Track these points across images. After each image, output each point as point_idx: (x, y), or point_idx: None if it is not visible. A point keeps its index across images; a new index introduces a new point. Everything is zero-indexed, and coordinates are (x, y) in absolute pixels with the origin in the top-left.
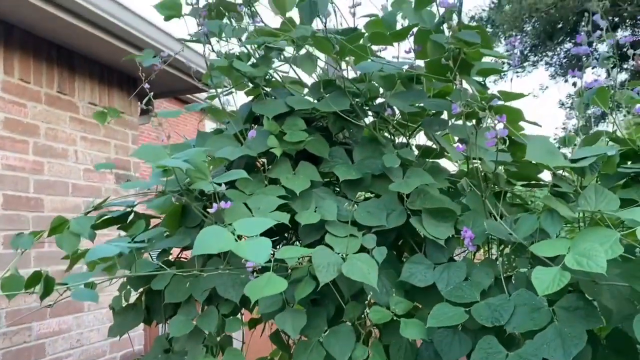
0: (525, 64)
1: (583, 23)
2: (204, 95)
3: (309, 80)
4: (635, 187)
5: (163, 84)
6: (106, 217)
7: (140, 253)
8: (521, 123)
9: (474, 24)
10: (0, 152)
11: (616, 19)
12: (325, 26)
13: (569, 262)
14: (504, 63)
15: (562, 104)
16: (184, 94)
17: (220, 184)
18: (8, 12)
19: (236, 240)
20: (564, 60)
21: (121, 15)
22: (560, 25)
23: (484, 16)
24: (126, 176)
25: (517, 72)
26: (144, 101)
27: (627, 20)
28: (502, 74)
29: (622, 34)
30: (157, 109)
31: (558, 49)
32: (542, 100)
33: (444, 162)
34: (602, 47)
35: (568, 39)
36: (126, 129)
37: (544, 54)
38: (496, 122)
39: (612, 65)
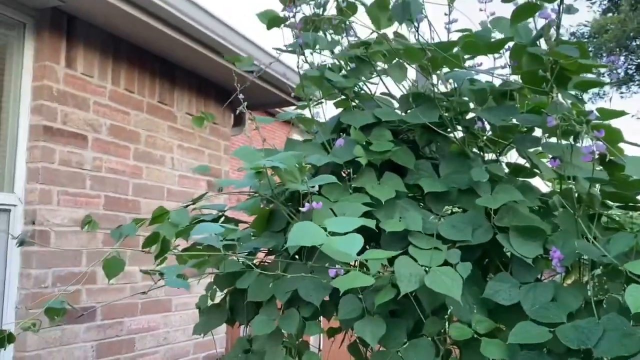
0: (630, 84)
1: None
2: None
3: (399, 94)
4: None
5: (255, 97)
6: (200, 219)
7: (233, 249)
8: (621, 144)
9: (574, 40)
10: (104, 156)
11: None
12: (417, 31)
13: None
14: (603, 75)
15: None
16: (274, 107)
17: (313, 186)
18: (118, 26)
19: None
20: None
21: (218, 30)
22: None
23: (586, 32)
24: (217, 183)
25: (620, 92)
26: (237, 110)
27: None
28: (602, 91)
29: None
30: (251, 125)
31: None
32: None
33: (535, 182)
34: None
35: None
36: (219, 139)
37: None
38: (594, 137)
39: None
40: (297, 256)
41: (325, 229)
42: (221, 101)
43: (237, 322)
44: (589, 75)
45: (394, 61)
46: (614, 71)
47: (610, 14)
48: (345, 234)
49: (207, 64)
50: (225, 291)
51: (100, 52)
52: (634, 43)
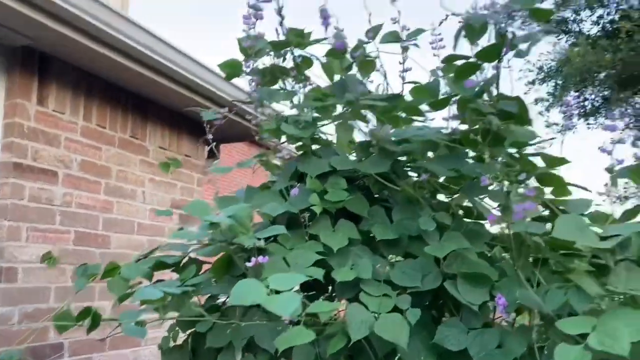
0: (597, 115)
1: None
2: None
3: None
4: None
5: (230, 130)
6: (161, 262)
7: (189, 296)
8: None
9: (543, 74)
10: (75, 191)
11: None
12: (357, 101)
13: (592, 341)
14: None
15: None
16: (251, 139)
17: (260, 239)
18: (90, 64)
19: (269, 294)
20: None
21: (190, 67)
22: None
23: (553, 66)
24: (188, 218)
25: (588, 124)
26: (208, 148)
27: None
28: (570, 123)
29: None
30: (230, 152)
31: (631, 101)
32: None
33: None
34: None
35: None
36: (192, 171)
37: (617, 105)
38: (522, 198)
39: None
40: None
41: (268, 286)
42: (195, 133)
43: None
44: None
45: (340, 121)
46: (567, 114)
47: (575, 48)
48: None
49: (179, 99)
50: (187, 332)
51: (73, 89)
52: (600, 75)
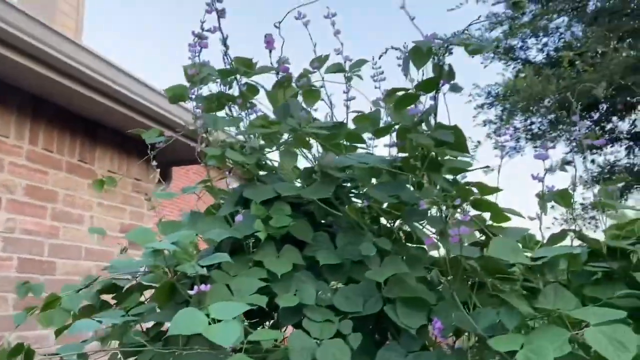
0: (544, 139)
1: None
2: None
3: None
4: (603, 286)
5: (180, 153)
6: (112, 284)
7: (131, 325)
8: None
9: (491, 99)
10: (19, 216)
11: (634, 100)
12: (300, 126)
13: (519, 358)
14: (519, 130)
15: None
16: (200, 163)
17: (202, 267)
18: (36, 87)
19: (210, 323)
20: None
21: (137, 90)
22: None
23: (501, 91)
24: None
25: (534, 147)
26: (157, 172)
27: None
28: (518, 146)
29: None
30: (187, 173)
31: (575, 127)
32: (562, 176)
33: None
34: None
35: (586, 115)
36: (142, 195)
37: (560, 131)
38: (458, 223)
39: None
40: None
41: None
42: (145, 156)
43: None
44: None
45: (284, 147)
46: (502, 143)
47: (521, 75)
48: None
49: (130, 123)
50: None
51: (18, 112)
52: (545, 102)
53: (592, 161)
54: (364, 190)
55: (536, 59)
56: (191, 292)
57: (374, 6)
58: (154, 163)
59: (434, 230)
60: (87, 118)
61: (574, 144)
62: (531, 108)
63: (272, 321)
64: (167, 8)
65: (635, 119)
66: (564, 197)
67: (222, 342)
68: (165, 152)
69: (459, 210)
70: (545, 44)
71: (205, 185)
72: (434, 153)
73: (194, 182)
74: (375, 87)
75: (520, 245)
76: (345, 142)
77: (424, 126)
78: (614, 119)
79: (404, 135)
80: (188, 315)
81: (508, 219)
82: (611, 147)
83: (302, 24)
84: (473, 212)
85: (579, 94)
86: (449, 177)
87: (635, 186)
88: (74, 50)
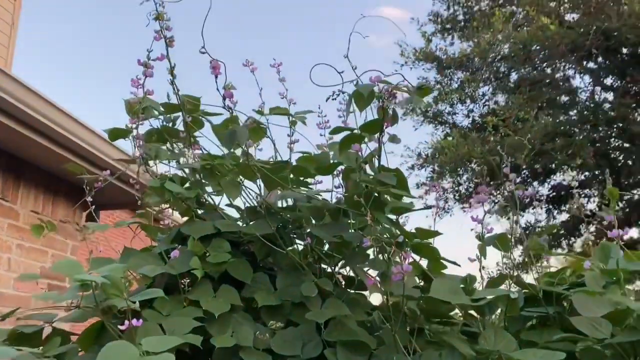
0: (470, 200)
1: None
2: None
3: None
4: (539, 330)
5: (110, 196)
6: (18, 332)
7: None
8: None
9: (421, 160)
10: None
11: (553, 165)
12: (247, 155)
13: None
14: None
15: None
16: (130, 207)
17: (134, 302)
18: None
19: (141, 356)
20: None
21: (69, 127)
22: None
23: (430, 153)
24: (58, 288)
25: (462, 207)
26: (85, 213)
27: (562, 167)
28: (447, 206)
29: (560, 179)
30: (108, 220)
31: (500, 189)
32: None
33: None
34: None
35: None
36: (67, 238)
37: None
38: (401, 260)
39: (508, 214)
40: None
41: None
42: (72, 198)
43: None
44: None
45: (229, 178)
46: (438, 195)
47: (449, 138)
48: (163, 352)
49: (57, 161)
50: None
51: None
52: (472, 164)
53: (516, 222)
54: (307, 230)
55: (463, 124)
56: (121, 328)
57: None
58: (89, 199)
59: (375, 274)
60: (11, 153)
61: (497, 201)
62: (458, 169)
63: None
64: (107, 46)
65: (552, 184)
66: (502, 242)
67: None
68: (94, 195)
69: (401, 248)
70: (472, 110)
71: (139, 223)
72: (377, 193)
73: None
74: (321, 135)
75: (460, 287)
76: (291, 176)
77: (367, 168)
78: (535, 183)
79: (348, 176)
80: (118, 347)
81: (445, 267)
82: (533, 209)
83: (250, 70)
84: (413, 256)
85: (503, 156)
86: (392, 217)
87: (563, 238)
88: None
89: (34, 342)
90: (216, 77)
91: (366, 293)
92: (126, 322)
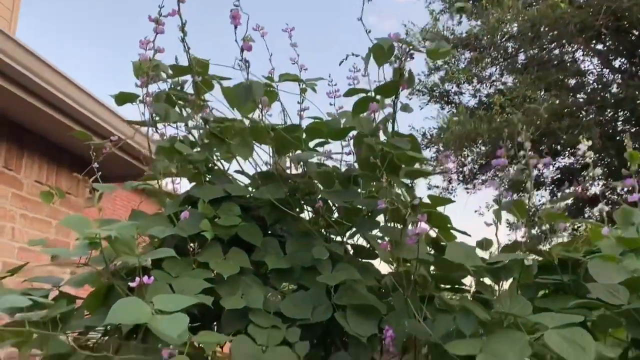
0: (474, 181)
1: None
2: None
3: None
4: (552, 298)
5: (114, 168)
6: (26, 293)
7: (55, 330)
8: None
9: (426, 140)
10: None
11: (558, 147)
12: (262, 113)
13: None
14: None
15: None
16: (134, 179)
17: (146, 259)
18: None
19: (153, 314)
20: (510, 182)
21: (74, 95)
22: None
23: (435, 134)
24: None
25: (466, 188)
26: (91, 180)
27: (567, 149)
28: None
29: (565, 161)
30: (114, 200)
31: (506, 170)
32: (489, 218)
33: (378, 264)
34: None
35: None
36: (70, 210)
37: (491, 173)
38: (417, 221)
39: (526, 179)
40: (135, 335)
41: (153, 307)
42: (76, 169)
43: None
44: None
45: (241, 139)
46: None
47: (455, 117)
48: (175, 312)
49: (61, 131)
50: None
51: None
52: (478, 143)
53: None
54: (318, 197)
55: (469, 103)
56: (132, 284)
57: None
58: (96, 166)
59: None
60: (14, 122)
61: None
62: (464, 148)
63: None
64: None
65: (558, 166)
66: (519, 207)
67: (169, 333)
68: (98, 169)
69: (418, 211)
70: (478, 90)
71: (146, 184)
72: (392, 155)
73: (119, 212)
74: (330, 104)
75: (475, 251)
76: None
77: (380, 134)
78: (540, 165)
79: (360, 141)
80: (129, 303)
81: (455, 237)
82: (537, 190)
83: (260, 35)
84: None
85: (508, 137)
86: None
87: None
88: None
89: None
90: (235, 27)
91: (374, 262)
92: (137, 278)
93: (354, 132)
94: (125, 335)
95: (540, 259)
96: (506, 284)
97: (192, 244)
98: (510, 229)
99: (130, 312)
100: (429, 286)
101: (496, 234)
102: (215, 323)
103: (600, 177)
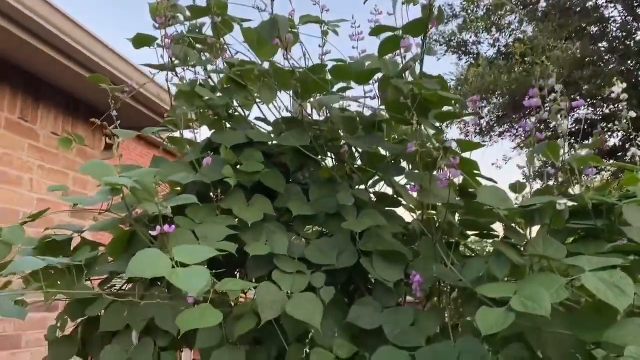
0: (492, 134)
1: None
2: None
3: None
4: (583, 243)
5: (128, 120)
6: (49, 240)
7: (81, 275)
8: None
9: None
10: None
11: (578, 97)
12: (287, 51)
13: (514, 304)
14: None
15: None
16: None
17: (166, 207)
18: None
19: (174, 267)
20: (527, 133)
21: (90, 46)
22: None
23: (452, 84)
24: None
25: (483, 141)
26: (110, 129)
27: (587, 100)
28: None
29: (583, 112)
30: (130, 154)
31: (523, 122)
32: (506, 172)
33: (400, 213)
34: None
35: (532, 112)
36: (86, 162)
37: (508, 125)
38: (449, 164)
39: (563, 117)
40: (159, 282)
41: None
42: (91, 121)
43: (91, 356)
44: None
45: (264, 81)
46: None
47: (474, 68)
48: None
49: (77, 82)
50: (78, 321)
51: None
52: (493, 97)
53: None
54: (342, 142)
55: (488, 54)
56: (153, 233)
57: None
58: (114, 114)
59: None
60: (30, 72)
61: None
62: (483, 98)
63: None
64: None
65: (577, 118)
66: (553, 150)
67: (188, 288)
68: (112, 120)
69: (452, 153)
70: (497, 40)
71: (167, 128)
72: (422, 95)
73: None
74: (353, 47)
75: (507, 195)
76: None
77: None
78: (558, 116)
79: (386, 84)
80: (149, 255)
81: (480, 184)
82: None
83: None
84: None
85: (528, 86)
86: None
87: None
88: None
89: (64, 251)
90: None
91: (397, 210)
92: (158, 227)
93: (378, 76)
94: (150, 282)
95: (571, 204)
96: (534, 232)
97: (214, 191)
98: (526, 179)
99: (149, 265)
100: (454, 232)
101: (528, 179)
102: (238, 270)
103: (618, 129)
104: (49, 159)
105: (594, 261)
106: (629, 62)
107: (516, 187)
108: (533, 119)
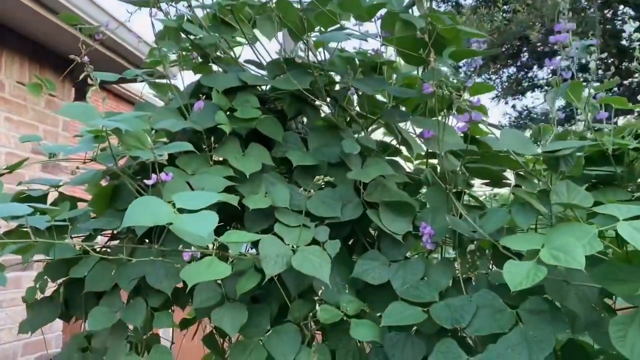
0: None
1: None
2: (140, 87)
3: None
4: (602, 190)
5: (99, 68)
6: (24, 195)
7: (62, 234)
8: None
9: None
10: None
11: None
12: None
13: (544, 256)
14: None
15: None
16: (120, 82)
17: (161, 154)
18: None
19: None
20: (505, 84)
21: None
22: (503, 49)
23: None
24: (54, 164)
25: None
26: (81, 76)
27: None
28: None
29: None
30: (99, 106)
31: (500, 72)
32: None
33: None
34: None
35: (510, 62)
36: (57, 113)
37: (487, 75)
38: (469, 106)
39: (590, 55)
40: (146, 240)
41: (174, 206)
42: (61, 71)
43: (75, 318)
44: None
45: (264, 14)
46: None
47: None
48: (198, 211)
49: (44, 27)
50: (59, 282)
51: None
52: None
53: (513, 106)
54: (338, 89)
55: (467, 1)
56: (148, 183)
57: None
58: (86, 60)
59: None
60: None
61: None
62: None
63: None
64: None
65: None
66: (575, 91)
67: (199, 232)
68: (81, 71)
69: (465, 96)
70: None
71: (148, 73)
72: (438, 30)
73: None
74: None
75: (529, 139)
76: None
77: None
78: (535, 67)
79: (390, 22)
80: (148, 203)
81: (486, 133)
82: (532, 92)
83: None
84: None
85: (510, 34)
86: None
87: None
88: None
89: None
90: None
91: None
92: (153, 175)
93: (381, 13)
94: (139, 238)
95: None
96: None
97: (206, 140)
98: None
99: (150, 212)
100: (459, 181)
101: (552, 122)
102: (237, 224)
103: (596, 79)
104: (16, 110)
105: (623, 209)
106: (612, 8)
107: (539, 131)
108: (558, 58)
